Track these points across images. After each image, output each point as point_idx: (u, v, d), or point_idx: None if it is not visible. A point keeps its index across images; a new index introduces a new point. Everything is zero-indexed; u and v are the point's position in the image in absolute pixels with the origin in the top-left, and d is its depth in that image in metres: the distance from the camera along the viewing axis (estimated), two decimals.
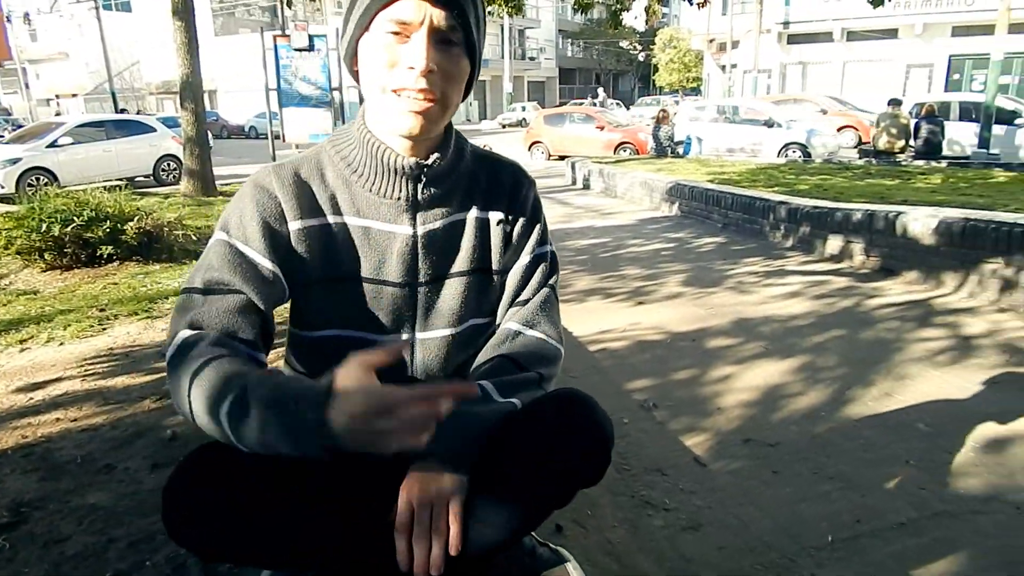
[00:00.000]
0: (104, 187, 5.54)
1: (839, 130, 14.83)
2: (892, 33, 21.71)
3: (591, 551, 1.48)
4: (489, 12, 6.95)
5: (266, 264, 0.91)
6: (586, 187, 9.31)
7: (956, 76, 20.58)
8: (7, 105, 32.91)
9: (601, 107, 22.61)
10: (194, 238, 5.15)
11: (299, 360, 1.05)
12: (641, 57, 44.56)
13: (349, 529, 0.87)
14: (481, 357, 1.05)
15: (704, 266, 4.48)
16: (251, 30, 31.87)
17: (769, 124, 12.97)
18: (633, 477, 1.86)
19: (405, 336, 1.00)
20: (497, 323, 1.09)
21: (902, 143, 10.79)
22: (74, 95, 35.22)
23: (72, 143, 10.99)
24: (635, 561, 1.49)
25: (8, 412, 2.22)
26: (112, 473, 1.78)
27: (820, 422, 2.19)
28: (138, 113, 25.00)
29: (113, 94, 23.44)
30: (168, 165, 12.29)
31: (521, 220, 1.06)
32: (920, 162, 9.91)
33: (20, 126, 18.64)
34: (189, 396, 0.78)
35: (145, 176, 12.10)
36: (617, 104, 31.54)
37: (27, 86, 29.56)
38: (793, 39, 23.97)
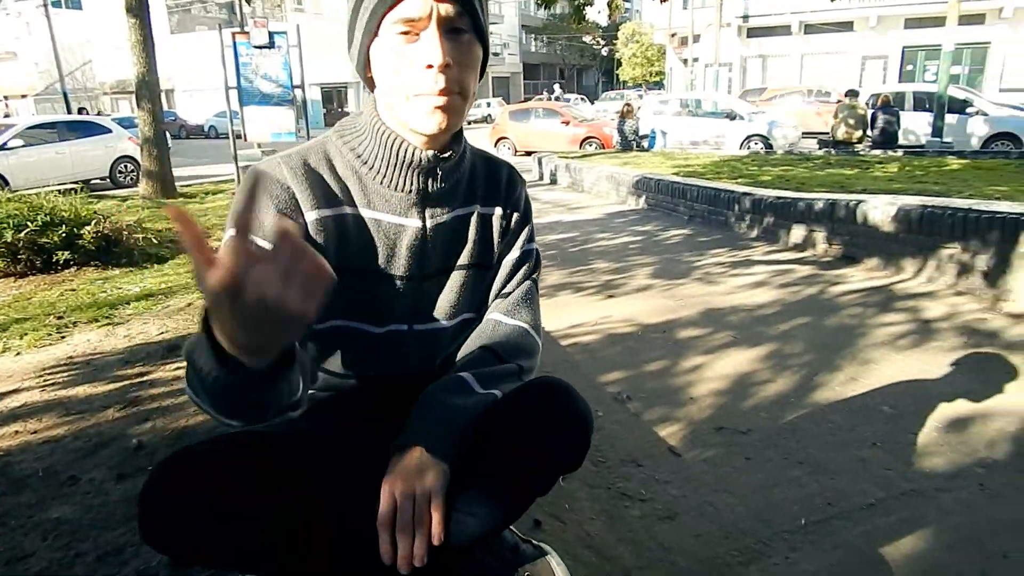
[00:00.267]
0: (59, 190, 5.37)
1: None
2: (848, 26, 22.26)
3: (570, 544, 1.49)
4: None
5: None
6: (553, 182, 9.34)
7: (910, 67, 21.23)
8: None
9: (559, 102, 22.70)
10: (155, 241, 4.98)
11: None
12: (604, 52, 44.84)
13: (331, 526, 0.86)
14: (465, 348, 1.06)
15: (672, 258, 4.53)
16: (208, 28, 31.22)
17: (731, 117, 13.18)
18: (609, 469, 1.88)
19: (403, 327, 1.00)
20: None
21: (860, 133, 11.04)
22: (23, 96, 34.02)
23: (23, 145, 10.68)
24: (614, 552, 1.51)
25: None
26: (76, 485, 1.73)
27: (789, 408, 2.23)
28: (98, 114, 24.31)
29: (65, 94, 22.68)
30: (125, 167, 12.02)
31: (515, 218, 1.08)
32: (877, 151, 10.15)
33: None
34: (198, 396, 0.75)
35: (101, 178, 11.79)
36: (581, 99, 31.69)
37: None
38: (752, 32, 24.39)
